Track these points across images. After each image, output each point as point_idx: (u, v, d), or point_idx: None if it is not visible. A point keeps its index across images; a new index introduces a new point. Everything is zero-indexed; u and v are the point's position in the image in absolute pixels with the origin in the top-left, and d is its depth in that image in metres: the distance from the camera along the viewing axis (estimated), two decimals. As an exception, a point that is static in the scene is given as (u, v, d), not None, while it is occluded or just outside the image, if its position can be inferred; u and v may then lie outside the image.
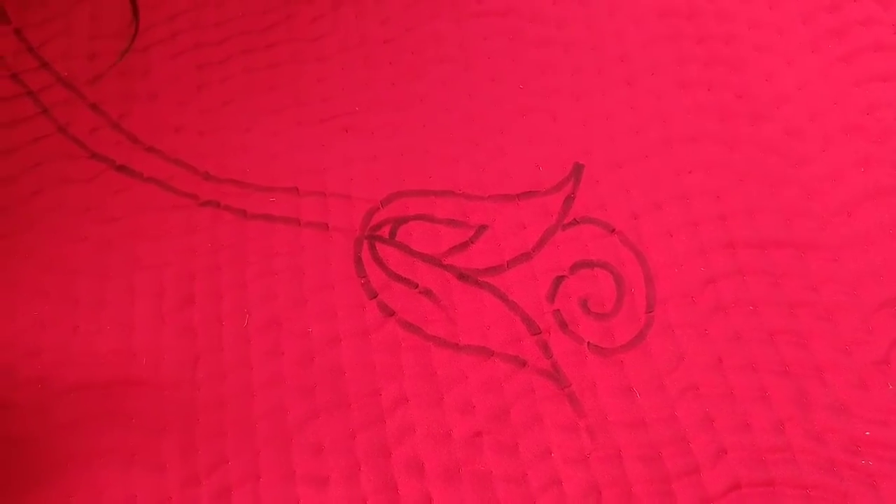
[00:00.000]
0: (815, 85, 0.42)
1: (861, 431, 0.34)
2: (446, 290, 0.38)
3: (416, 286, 0.38)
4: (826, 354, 0.36)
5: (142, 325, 0.37)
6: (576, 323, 0.37)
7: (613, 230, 0.39)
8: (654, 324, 0.37)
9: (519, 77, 0.43)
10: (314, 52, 0.45)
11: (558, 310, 0.37)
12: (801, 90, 0.42)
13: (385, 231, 0.39)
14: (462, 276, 0.38)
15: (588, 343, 0.37)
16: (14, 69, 0.44)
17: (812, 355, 0.36)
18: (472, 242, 0.39)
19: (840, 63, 0.42)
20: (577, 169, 0.41)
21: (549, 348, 0.37)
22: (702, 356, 0.36)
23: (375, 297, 0.38)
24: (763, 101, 0.41)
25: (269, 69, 0.44)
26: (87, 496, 0.33)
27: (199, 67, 0.44)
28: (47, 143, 0.42)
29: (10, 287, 0.38)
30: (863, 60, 0.42)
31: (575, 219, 0.39)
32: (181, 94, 0.43)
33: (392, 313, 0.37)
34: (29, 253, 0.39)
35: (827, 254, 0.38)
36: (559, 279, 0.38)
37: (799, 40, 0.43)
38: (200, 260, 0.39)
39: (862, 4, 0.43)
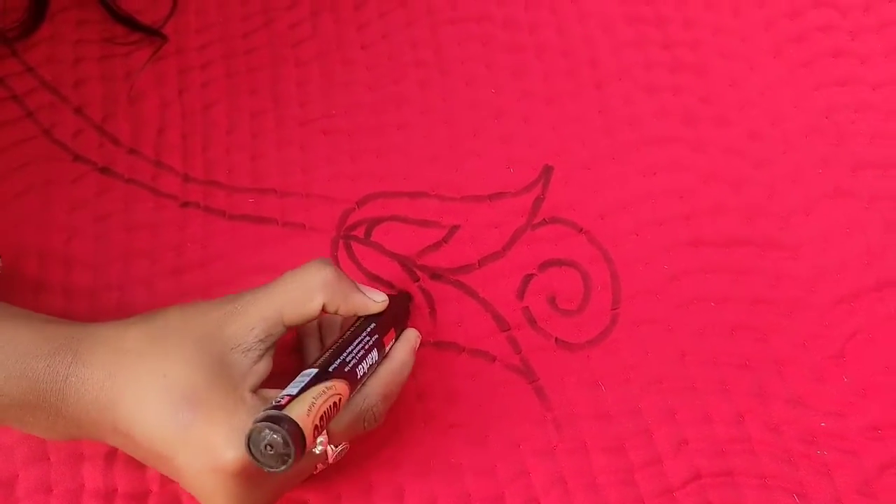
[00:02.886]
0: (777, 89, 0.43)
1: (817, 423, 0.35)
2: (420, 288, 0.39)
3: (391, 285, 0.39)
4: (784, 349, 0.37)
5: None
6: (544, 319, 0.38)
7: (581, 230, 0.40)
8: (620, 320, 0.38)
9: (492, 81, 0.44)
10: (293, 57, 0.46)
11: (527, 307, 0.38)
12: (763, 94, 0.43)
13: (360, 231, 0.41)
14: (435, 276, 0.39)
15: (556, 339, 0.38)
16: (-1, 74, 0.45)
17: (771, 350, 0.37)
18: (444, 242, 0.40)
19: (801, 68, 0.44)
20: (547, 170, 0.42)
21: (518, 344, 0.38)
22: (665, 351, 0.37)
23: (350, 295, 0.39)
24: (727, 105, 0.43)
25: (249, 73, 0.45)
26: None
27: (180, 72, 0.45)
28: (32, 145, 0.43)
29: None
30: (822, 66, 0.43)
31: (544, 219, 0.41)
32: (163, 97, 0.44)
33: (366, 311, 0.38)
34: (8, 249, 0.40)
35: (786, 252, 0.39)
36: (528, 277, 0.39)
37: (761, 46, 0.44)
38: (181, 259, 0.40)
39: (821, 12, 0.45)
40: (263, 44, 0.46)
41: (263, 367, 0.30)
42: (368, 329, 0.31)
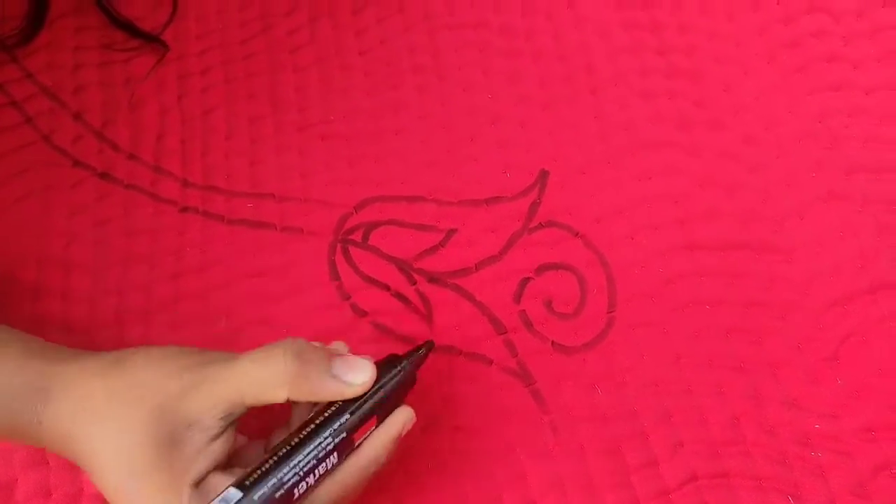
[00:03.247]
0: (771, 94, 0.43)
1: (811, 425, 0.35)
2: (417, 292, 0.39)
3: (388, 288, 0.39)
4: (779, 352, 0.37)
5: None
6: (541, 323, 0.38)
7: (577, 233, 0.40)
8: (616, 323, 0.38)
9: (489, 87, 0.45)
10: (292, 63, 0.46)
11: (524, 310, 0.39)
12: (757, 99, 0.43)
13: (358, 235, 0.41)
14: (432, 279, 0.40)
15: (552, 342, 0.38)
16: (-1, 80, 0.45)
17: (766, 352, 0.37)
18: (441, 246, 0.40)
19: (794, 73, 0.44)
20: (543, 175, 0.42)
21: (514, 347, 0.38)
22: (661, 354, 0.38)
23: (348, 299, 0.39)
24: (721, 110, 0.43)
25: (247, 79, 0.46)
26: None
27: (179, 78, 0.45)
28: (31, 151, 0.43)
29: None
30: (815, 71, 0.44)
31: (540, 223, 0.41)
32: (162, 103, 0.45)
33: (364, 314, 0.39)
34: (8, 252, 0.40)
35: (780, 255, 0.40)
36: (525, 281, 0.39)
37: (756, 52, 0.45)
38: (180, 263, 0.40)
39: (815, 18, 0.45)
40: (262, 49, 0.46)
41: (220, 447, 0.28)
42: (336, 425, 0.28)
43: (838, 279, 0.39)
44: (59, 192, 0.42)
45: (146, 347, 0.31)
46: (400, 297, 0.39)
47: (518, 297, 0.39)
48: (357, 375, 0.29)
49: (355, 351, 0.38)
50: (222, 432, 0.28)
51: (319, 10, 0.47)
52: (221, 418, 0.28)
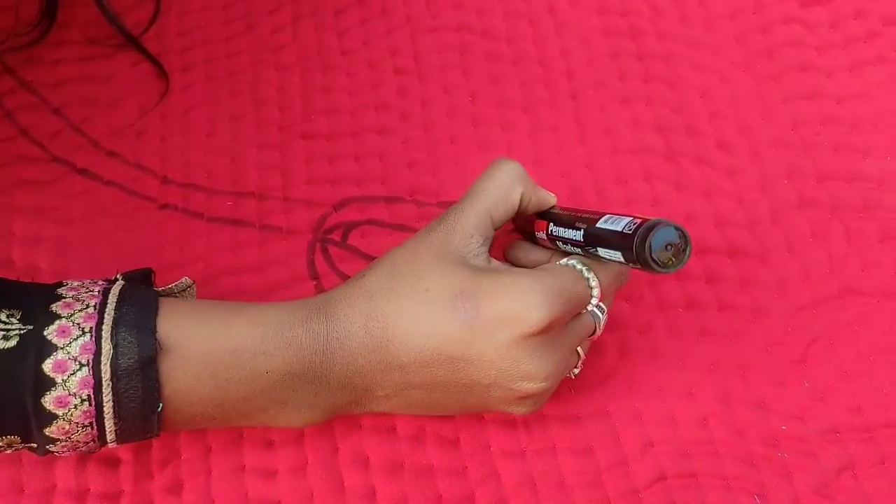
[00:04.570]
0: (746, 101, 0.44)
1: (778, 426, 0.36)
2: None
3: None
4: (749, 354, 0.38)
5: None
6: (517, 323, 0.39)
7: (554, 236, 0.41)
8: (590, 324, 0.39)
9: (470, 89, 0.45)
10: (274, 62, 0.46)
11: (500, 311, 0.39)
12: (732, 106, 0.44)
13: (337, 235, 0.41)
14: (410, 279, 0.40)
15: (528, 342, 0.38)
16: (-23, 74, 0.45)
17: (737, 354, 0.38)
18: (420, 246, 0.41)
19: (769, 81, 0.45)
20: (522, 177, 0.43)
21: (490, 347, 0.38)
22: (637, 354, 0.38)
23: (326, 297, 0.39)
24: (698, 116, 0.44)
25: (229, 77, 0.46)
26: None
27: (160, 75, 0.45)
28: (9, 145, 0.43)
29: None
30: (789, 79, 0.45)
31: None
32: (143, 100, 0.45)
33: (342, 313, 0.39)
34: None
35: (753, 259, 0.40)
36: (502, 282, 0.40)
37: (732, 60, 0.45)
38: (157, 261, 0.40)
39: (790, 28, 0.46)
40: (244, 48, 0.47)
41: (495, 266, 0.32)
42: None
43: (808, 284, 0.40)
44: (36, 187, 0.42)
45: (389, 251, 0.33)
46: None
47: (495, 298, 0.39)
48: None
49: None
50: (485, 259, 0.32)
51: (303, 10, 0.48)
52: (481, 244, 0.32)
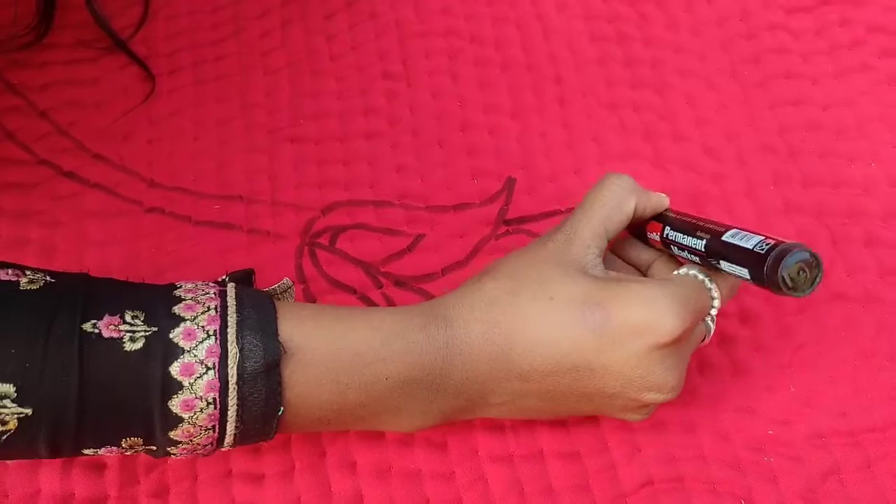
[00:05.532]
0: (733, 108, 0.45)
1: (764, 431, 0.36)
2: (383, 295, 0.40)
3: (354, 291, 0.40)
4: (736, 359, 0.38)
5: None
6: (504, 328, 0.39)
7: (542, 240, 0.41)
8: (578, 329, 0.39)
9: (458, 94, 0.45)
10: (262, 66, 0.46)
11: (488, 315, 0.39)
12: (719, 112, 0.44)
13: (325, 239, 0.41)
14: (398, 283, 0.40)
15: (515, 347, 0.38)
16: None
17: (728, 358, 0.38)
18: (409, 251, 0.41)
19: (755, 88, 0.45)
20: (510, 182, 0.43)
21: (478, 352, 0.38)
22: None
23: (314, 301, 0.39)
24: (685, 122, 0.44)
25: (217, 81, 0.46)
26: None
27: (147, 78, 0.45)
28: (-5, 148, 0.43)
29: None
30: (775, 86, 0.45)
31: (507, 230, 0.41)
32: (130, 103, 0.45)
33: (329, 317, 0.39)
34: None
35: (739, 265, 0.41)
36: (490, 286, 0.40)
37: (719, 66, 0.46)
38: (143, 265, 0.40)
39: (776, 35, 0.46)
40: (233, 52, 0.47)
41: (613, 275, 0.32)
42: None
43: (793, 289, 0.40)
44: (23, 189, 0.42)
45: (505, 256, 0.33)
46: (366, 299, 0.39)
47: (482, 303, 0.39)
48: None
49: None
50: (602, 271, 0.31)
51: (292, 14, 0.48)
52: (596, 255, 0.31)
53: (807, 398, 0.37)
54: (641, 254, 0.35)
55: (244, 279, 0.33)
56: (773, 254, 0.28)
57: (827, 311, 0.39)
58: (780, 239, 0.29)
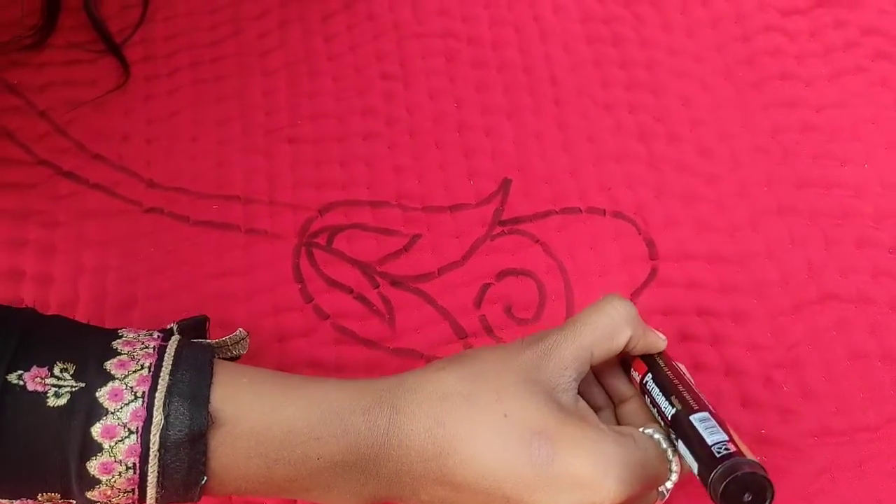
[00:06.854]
0: (727, 109, 0.45)
1: (757, 430, 0.37)
2: (379, 295, 0.40)
3: (351, 291, 0.40)
4: (733, 357, 0.39)
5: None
6: (500, 328, 0.39)
7: (538, 241, 0.41)
8: (573, 329, 0.39)
9: (455, 95, 0.46)
10: (260, 67, 0.46)
11: (484, 315, 0.40)
12: (713, 114, 0.45)
13: (322, 239, 0.41)
14: (395, 283, 0.40)
15: (511, 346, 0.39)
16: (-38, 76, 0.45)
17: (721, 358, 0.39)
18: (405, 251, 0.41)
19: (750, 89, 0.45)
20: (506, 183, 0.43)
21: (474, 351, 0.39)
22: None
23: (311, 301, 0.40)
24: (679, 123, 0.45)
25: (216, 81, 0.46)
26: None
27: (146, 79, 0.46)
28: (-6, 148, 0.43)
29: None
30: (769, 87, 0.45)
31: (503, 230, 0.42)
32: (129, 104, 0.45)
33: (327, 316, 0.39)
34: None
35: (733, 265, 0.41)
36: (486, 286, 0.40)
37: (713, 67, 0.46)
38: (142, 264, 0.40)
39: (770, 37, 0.47)
40: (231, 53, 0.47)
41: (581, 408, 0.29)
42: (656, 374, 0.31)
43: (787, 289, 0.40)
44: (22, 189, 0.42)
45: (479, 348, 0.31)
46: (362, 299, 0.40)
47: (479, 302, 0.40)
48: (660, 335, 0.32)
49: (316, 353, 0.38)
50: (575, 395, 0.29)
51: (290, 14, 0.48)
52: (574, 379, 0.29)
53: (801, 396, 0.37)
54: (621, 386, 0.32)
55: (196, 328, 0.32)
56: (723, 466, 0.26)
57: (820, 312, 0.40)
58: (741, 449, 0.27)
